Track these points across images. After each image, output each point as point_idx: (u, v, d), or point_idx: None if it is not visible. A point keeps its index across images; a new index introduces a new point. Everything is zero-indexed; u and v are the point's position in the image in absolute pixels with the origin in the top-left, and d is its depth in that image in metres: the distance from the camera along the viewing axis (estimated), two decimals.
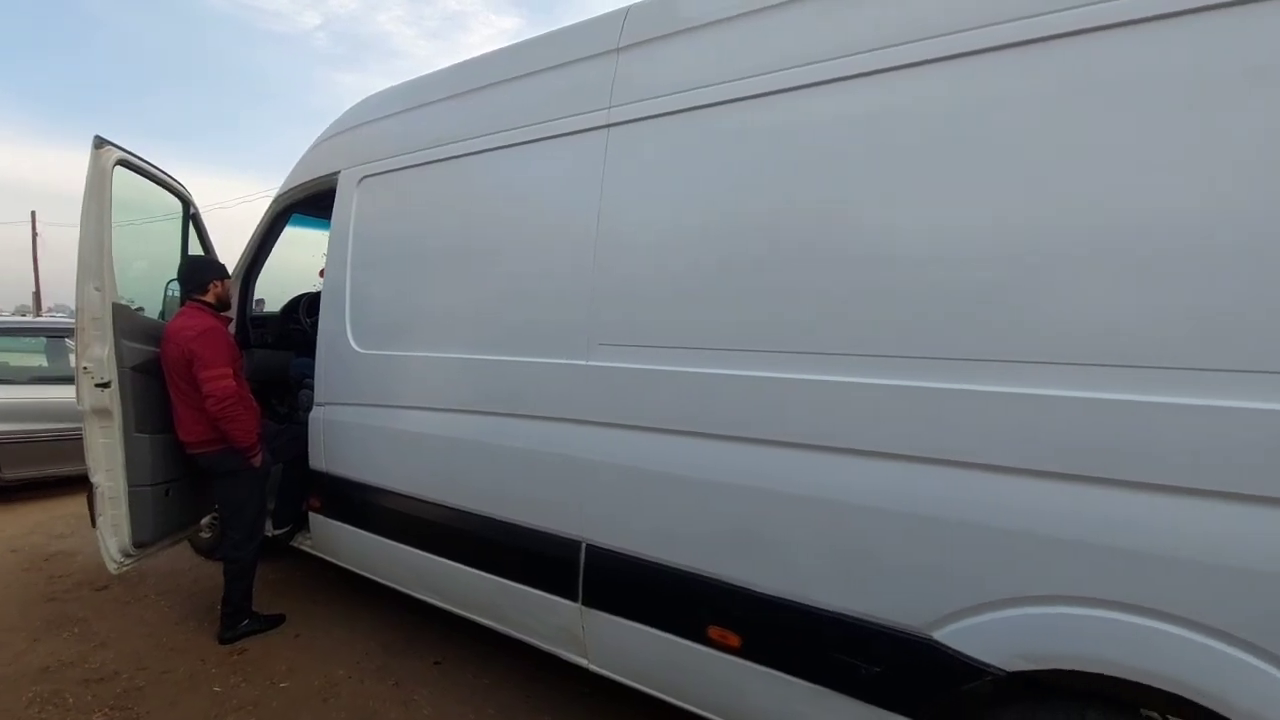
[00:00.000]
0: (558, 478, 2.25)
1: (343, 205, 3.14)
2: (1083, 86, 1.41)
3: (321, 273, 3.29)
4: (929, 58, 1.59)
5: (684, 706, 2.09)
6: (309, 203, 3.55)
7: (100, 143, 2.81)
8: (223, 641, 3.15)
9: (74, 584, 3.86)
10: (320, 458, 3.20)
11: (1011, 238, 1.48)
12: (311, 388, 3.26)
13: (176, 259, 3.53)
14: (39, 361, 6.35)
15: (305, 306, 4.46)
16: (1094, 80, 1.40)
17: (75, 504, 5.32)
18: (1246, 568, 1.23)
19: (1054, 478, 1.41)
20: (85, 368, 2.81)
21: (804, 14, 1.81)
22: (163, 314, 3.54)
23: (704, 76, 1.98)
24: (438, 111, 2.81)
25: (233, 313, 3.56)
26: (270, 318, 4.69)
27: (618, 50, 2.21)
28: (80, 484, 3.35)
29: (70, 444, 4.46)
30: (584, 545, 2.20)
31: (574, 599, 2.24)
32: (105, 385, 2.80)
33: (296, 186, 3.50)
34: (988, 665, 1.50)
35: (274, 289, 4.70)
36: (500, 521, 2.45)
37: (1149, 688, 1.34)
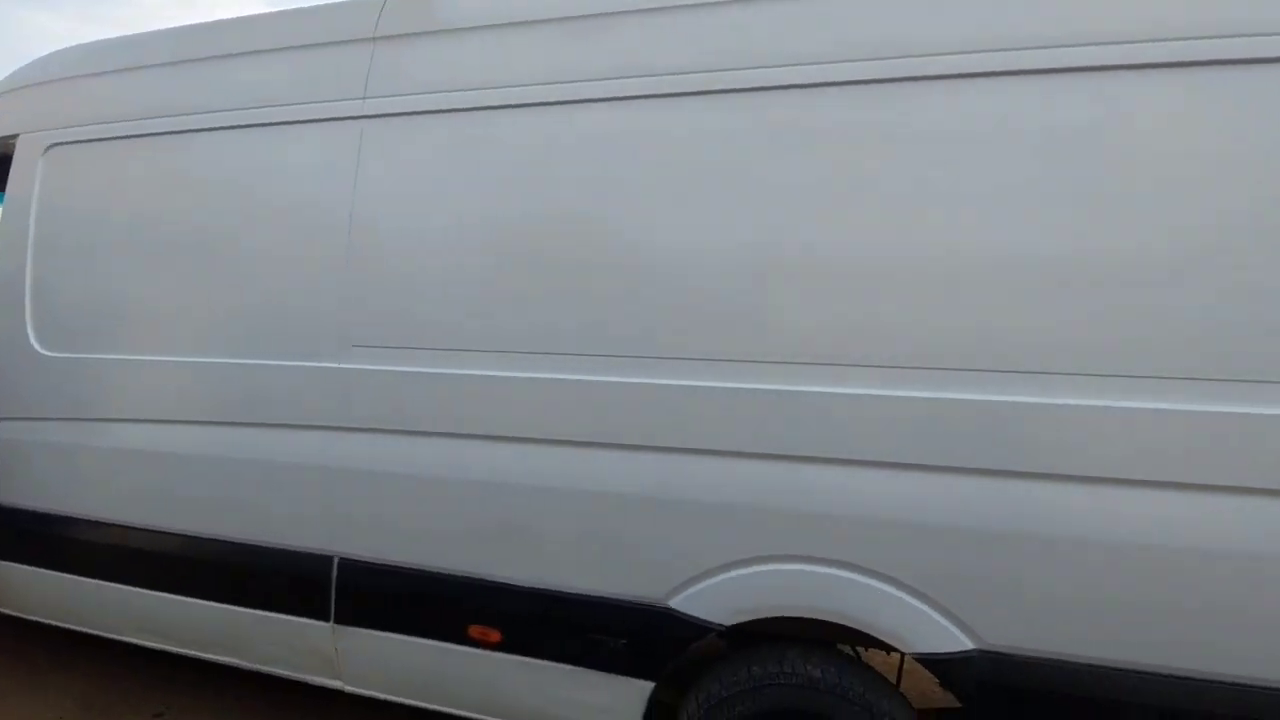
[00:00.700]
0: (304, 490, 2.11)
1: (21, 176, 2.57)
2: (761, 131, 1.73)
3: None
4: (652, 93, 1.82)
5: (444, 710, 2.09)
6: None
7: None
8: None
9: None
10: None
11: (717, 256, 1.75)
12: None
13: None
14: None
15: None
16: (772, 127, 1.73)
17: None
18: (892, 520, 1.61)
19: (748, 457, 1.70)
20: None
21: (550, 35, 1.95)
22: None
23: (458, 80, 2.01)
24: (161, 76, 2.45)
25: None
26: None
27: (374, 40, 2.14)
28: None
29: None
30: (336, 559, 2.09)
31: (325, 618, 2.11)
32: None
33: None
34: (711, 623, 1.75)
35: None
36: (236, 544, 2.20)
37: (827, 623, 1.67)
